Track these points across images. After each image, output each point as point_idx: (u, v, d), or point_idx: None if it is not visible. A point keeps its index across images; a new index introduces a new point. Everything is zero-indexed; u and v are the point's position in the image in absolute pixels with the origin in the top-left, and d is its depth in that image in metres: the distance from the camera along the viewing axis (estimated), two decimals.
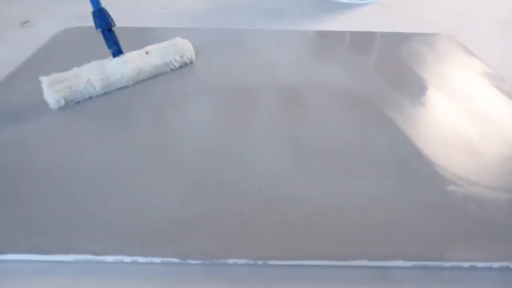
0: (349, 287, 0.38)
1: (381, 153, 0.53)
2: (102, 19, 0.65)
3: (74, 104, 0.64)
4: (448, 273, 0.39)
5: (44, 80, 0.62)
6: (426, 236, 0.41)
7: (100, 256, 0.38)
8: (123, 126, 0.58)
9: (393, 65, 0.79)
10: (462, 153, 0.54)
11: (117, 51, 0.68)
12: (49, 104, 0.62)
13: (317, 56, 0.83)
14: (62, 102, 0.62)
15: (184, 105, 0.64)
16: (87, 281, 0.37)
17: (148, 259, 0.39)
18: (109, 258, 0.38)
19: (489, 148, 0.55)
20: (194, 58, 0.78)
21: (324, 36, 0.94)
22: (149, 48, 0.73)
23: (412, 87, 0.70)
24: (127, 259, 0.38)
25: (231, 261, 0.39)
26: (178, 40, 0.77)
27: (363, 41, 0.92)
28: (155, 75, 0.73)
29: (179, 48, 0.75)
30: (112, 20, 0.66)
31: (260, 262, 0.39)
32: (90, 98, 0.65)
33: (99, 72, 0.65)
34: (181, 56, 0.75)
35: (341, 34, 0.95)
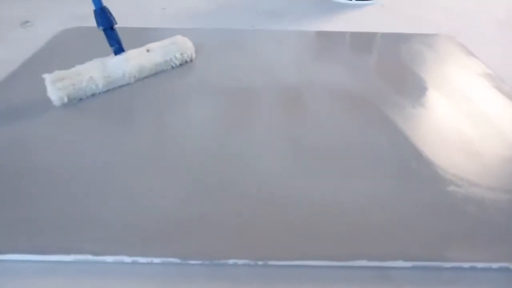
0: (349, 287, 0.38)
1: (381, 153, 0.53)
2: (104, 18, 0.66)
3: (76, 102, 0.64)
4: (448, 273, 0.39)
5: (48, 77, 0.62)
6: (426, 237, 0.41)
7: (100, 256, 0.38)
8: (123, 126, 0.58)
9: (393, 65, 0.79)
10: (462, 153, 0.54)
11: (118, 49, 0.69)
12: (53, 101, 0.63)
13: (317, 57, 0.83)
14: (66, 99, 0.63)
15: (184, 105, 0.64)
16: (87, 281, 0.37)
17: (148, 259, 0.39)
18: (109, 258, 0.38)
19: (489, 149, 0.55)
20: (194, 56, 0.78)
21: (324, 36, 0.94)
22: (150, 46, 0.73)
23: (412, 87, 0.70)
24: (127, 259, 0.38)
25: (231, 261, 0.39)
26: (179, 38, 0.77)
27: (363, 41, 0.92)
28: (156, 73, 0.73)
29: (179, 46, 0.76)
30: (114, 19, 0.67)
31: (260, 263, 0.39)
32: (93, 95, 0.66)
33: (101, 69, 0.66)
34: (181, 54, 0.76)
35: (341, 34, 0.95)
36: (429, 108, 0.64)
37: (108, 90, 0.68)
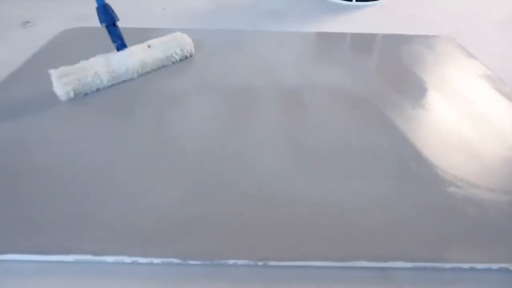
0: (349, 287, 0.38)
1: (381, 154, 0.54)
2: (107, 15, 0.68)
3: (82, 96, 0.66)
4: (448, 274, 0.39)
5: (54, 73, 0.64)
6: (426, 237, 0.41)
7: (100, 256, 0.38)
8: (124, 126, 0.58)
9: (393, 67, 0.79)
10: (462, 155, 0.54)
11: (121, 45, 0.71)
12: (59, 96, 0.64)
13: (317, 58, 0.83)
14: (72, 94, 0.64)
15: (184, 105, 0.64)
16: (87, 281, 0.37)
17: (148, 260, 0.39)
18: (109, 259, 0.38)
19: (489, 150, 0.55)
20: (193, 51, 0.81)
21: (324, 37, 0.94)
22: (151, 42, 0.75)
23: (412, 89, 0.70)
24: (127, 259, 0.38)
25: (231, 261, 0.39)
26: (178, 34, 0.79)
27: (363, 43, 0.92)
28: (158, 68, 0.75)
29: (179, 42, 0.78)
30: (116, 15, 0.69)
31: (260, 263, 0.39)
32: (98, 90, 0.68)
33: (106, 65, 0.68)
34: (181, 50, 0.78)
35: (341, 35, 0.95)
36: (429, 109, 0.64)
37: (112, 85, 0.69)
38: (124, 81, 0.71)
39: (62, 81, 0.63)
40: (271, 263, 0.39)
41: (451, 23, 1.09)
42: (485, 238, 0.41)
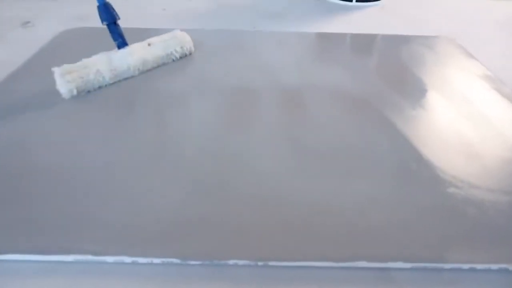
0: (349, 287, 0.38)
1: (381, 154, 0.54)
2: (108, 13, 0.69)
3: (84, 94, 0.66)
4: (448, 274, 0.39)
5: (57, 70, 0.64)
6: (426, 238, 0.41)
7: (100, 256, 0.38)
8: (124, 126, 0.58)
9: (393, 67, 0.79)
10: (462, 155, 0.54)
11: (122, 43, 0.72)
12: (62, 94, 0.65)
13: (317, 58, 0.83)
14: (75, 92, 0.65)
15: (184, 105, 0.64)
16: (87, 281, 0.37)
17: (148, 260, 0.39)
18: (109, 259, 0.38)
19: (489, 151, 0.55)
20: (193, 49, 0.82)
21: (325, 38, 0.94)
22: (151, 40, 0.76)
23: (412, 89, 0.70)
24: (127, 259, 0.38)
25: (231, 262, 0.39)
26: (178, 32, 0.80)
27: (363, 43, 0.92)
28: (158, 66, 0.76)
29: (179, 40, 0.79)
30: (117, 14, 0.70)
31: (260, 263, 0.39)
32: (100, 87, 0.68)
33: (107, 62, 0.68)
34: (181, 48, 0.79)
35: (341, 36, 0.95)
36: (429, 110, 0.64)
37: (114, 83, 0.70)
38: (125, 79, 0.71)
39: (65, 79, 0.64)
40: (271, 263, 0.39)
41: (451, 23, 1.09)
42: (485, 238, 0.42)
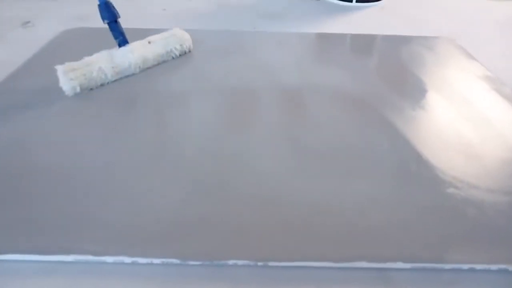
0: None
1: (381, 155, 0.54)
2: (109, 11, 0.70)
3: (87, 92, 0.67)
4: (447, 275, 0.39)
5: (60, 68, 0.65)
6: (426, 238, 0.41)
7: (100, 256, 0.38)
8: (124, 127, 0.58)
9: (393, 67, 0.79)
10: (462, 156, 0.54)
11: (123, 41, 0.73)
12: (65, 91, 0.65)
13: (317, 58, 0.83)
14: (78, 89, 0.66)
15: (185, 105, 0.64)
16: (87, 281, 0.37)
17: (148, 260, 0.39)
18: (109, 259, 0.38)
19: (488, 151, 0.55)
20: (192, 47, 0.83)
21: (324, 38, 0.94)
22: (151, 38, 0.77)
23: (412, 90, 0.71)
24: (127, 259, 0.38)
25: (231, 262, 0.39)
26: (177, 30, 0.81)
27: (363, 43, 0.92)
28: (158, 63, 0.77)
29: (178, 38, 0.80)
30: (117, 12, 0.71)
31: (260, 263, 0.39)
32: (102, 85, 0.69)
33: (109, 60, 0.69)
34: (180, 45, 0.80)
35: (341, 36, 0.95)
36: (429, 111, 0.64)
37: (115, 80, 0.71)
38: (127, 76, 0.72)
39: (68, 76, 0.64)
40: (271, 263, 0.39)
41: (451, 24, 1.09)
42: (485, 239, 0.42)
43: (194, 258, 0.39)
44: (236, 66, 0.77)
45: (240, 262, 0.39)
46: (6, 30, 0.97)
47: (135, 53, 0.72)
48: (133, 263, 0.39)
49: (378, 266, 0.39)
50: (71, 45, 0.84)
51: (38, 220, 0.42)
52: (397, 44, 0.90)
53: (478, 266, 0.39)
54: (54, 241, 0.40)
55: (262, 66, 0.78)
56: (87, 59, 0.68)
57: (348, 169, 0.51)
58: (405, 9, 1.20)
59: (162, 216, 0.43)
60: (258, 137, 0.57)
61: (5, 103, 0.63)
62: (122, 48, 0.72)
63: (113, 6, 0.70)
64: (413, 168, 0.51)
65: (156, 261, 0.39)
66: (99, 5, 0.69)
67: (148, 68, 0.75)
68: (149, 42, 0.76)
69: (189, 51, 0.83)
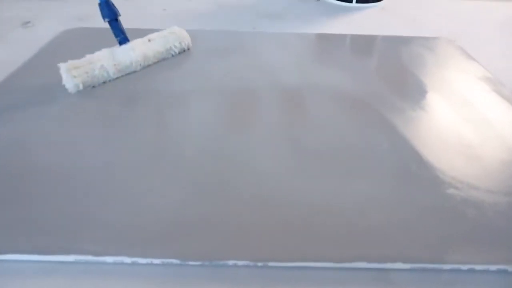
0: None
1: (381, 155, 0.54)
2: (109, 10, 0.70)
3: (90, 89, 0.68)
4: (447, 275, 0.39)
5: (63, 66, 0.65)
6: (426, 239, 0.41)
7: (100, 256, 0.38)
8: (124, 126, 0.58)
9: (393, 68, 0.79)
10: (462, 157, 0.54)
11: (123, 39, 0.73)
12: (68, 89, 0.66)
13: (317, 59, 0.83)
14: (81, 87, 0.66)
15: (185, 105, 0.64)
16: (87, 281, 0.37)
17: (148, 260, 0.39)
18: (109, 259, 0.38)
19: (488, 152, 0.55)
20: (191, 45, 0.84)
21: (324, 39, 0.94)
22: (151, 36, 0.78)
23: (412, 90, 0.71)
24: (127, 259, 0.38)
25: (231, 262, 0.39)
26: (176, 28, 0.82)
27: (363, 44, 0.92)
28: (158, 61, 0.78)
29: (177, 36, 0.81)
30: (118, 11, 0.71)
31: (260, 264, 0.39)
32: (104, 83, 0.70)
33: (111, 58, 0.70)
34: (179, 43, 0.81)
35: (341, 37, 0.95)
36: (429, 111, 0.64)
37: (117, 78, 0.71)
38: (128, 74, 0.73)
39: (71, 74, 0.65)
40: (271, 263, 0.39)
41: (451, 24, 1.09)
42: (484, 239, 0.42)
43: (194, 258, 0.39)
44: (236, 66, 0.77)
45: (240, 263, 0.39)
46: (6, 30, 0.97)
47: (136, 51, 0.73)
48: (133, 263, 0.39)
49: (378, 266, 0.39)
50: (71, 45, 0.84)
51: (38, 220, 0.42)
52: (397, 45, 0.90)
53: (478, 267, 0.39)
54: (54, 241, 0.40)
55: (262, 66, 0.78)
56: (89, 57, 0.68)
57: (348, 169, 0.51)
58: (405, 9, 1.20)
59: (162, 216, 0.43)
60: (258, 137, 0.57)
61: (5, 103, 0.63)
62: (123, 46, 0.73)
63: (113, 5, 0.71)
64: (413, 168, 0.51)
65: (156, 261, 0.39)
66: (99, 4, 0.69)
67: (149, 65, 0.76)
68: (149, 40, 0.77)
69: (188, 49, 0.84)
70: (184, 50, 0.83)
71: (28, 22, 1.02)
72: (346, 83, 0.72)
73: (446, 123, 0.61)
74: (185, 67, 0.77)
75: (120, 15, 0.72)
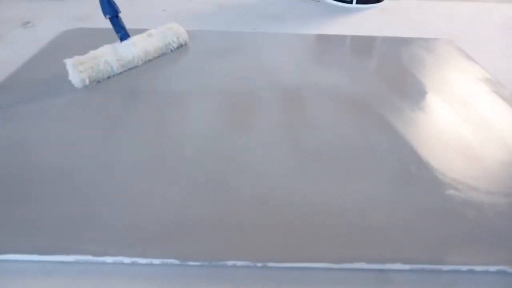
0: None
1: (381, 156, 0.54)
2: (110, 7, 0.72)
3: (95, 84, 0.69)
4: (446, 276, 0.39)
5: (69, 61, 0.67)
6: (425, 240, 0.41)
7: (99, 257, 0.38)
8: (123, 127, 0.58)
9: (393, 69, 0.79)
10: (462, 158, 0.54)
11: (124, 35, 0.74)
12: (74, 84, 0.67)
13: (317, 60, 0.83)
14: (87, 81, 0.67)
15: (185, 105, 0.64)
16: (87, 281, 0.37)
17: (148, 260, 0.39)
18: (109, 259, 0.38)
19: (488, 154, 0.55)
20: (188, 40, 0.86)
21: (325, 39, 0.94)
22: (150, 32, 0.80)
23: (412, 91, 0.71)
24: (127, 260, 0.38)
25: (230, 262, 0.39)
26: (173, 24, 0.85)
27: (363, 45, 0.92)
28: (158, 56, 0.80)
29: (174, 31, 0.83)
30: (118, 8, 0.73)
31: (259, 264, 0.39)
32: (108, 77, 0.71)
33: (114, 53, 0.71)
34: (177, 38, 0.83)
35: (341, 38, 0.96)
36: (429, 112, 0.64)
37: (120, 73, 0.73)
38: (130, 69, 0.74)
39: (77, 69, 0.66)
40: (270, 264, 0.39)
41: (450, 25, 1.09)
42: (484, 240, 0.42)
43: (194, 258, 0.39)
44: (236, 67, 0.77)
45: (239, 263, 0.39)
46: (6, 30, 0.97)
47: (137, 46, 0.75)
48: (133, 264, 0.39)
49: (378, 267, 0.39)
50: (71, 45, 0.84)
51: (38, 220, 0.42)
52: (397, 46, 0.90)
53: (478, 268, 0.39)
54: (54, 241, 0.40)
55: (262, 66, 0.78)
56: (92, 52, 0.70)
57: (348, 170, 0.51)
58: (405, 10, 1.20)
59: (162, 216, 0.43)
60: (258, 137, 0.57)
61: (5, 103, 0.63)
62: (125, 42, 0.74)
63: (114, 2, 0.72)
64: (413, 169, 0.51)
65: (156, 261, 0.39)
66: (100, 1, 0.71)
67: (149, 60, 0.78)
68: (149, 36, 0.79)
69: (185, 44, 0.86)
70: (181, 45, 0.85)
71: (28, 22, 1.02)
72: (346, 83, 0.72)
73: (446, 124, 0.61)
74: (186, 67, 0.77)
75: (120, 12, 0.73)
